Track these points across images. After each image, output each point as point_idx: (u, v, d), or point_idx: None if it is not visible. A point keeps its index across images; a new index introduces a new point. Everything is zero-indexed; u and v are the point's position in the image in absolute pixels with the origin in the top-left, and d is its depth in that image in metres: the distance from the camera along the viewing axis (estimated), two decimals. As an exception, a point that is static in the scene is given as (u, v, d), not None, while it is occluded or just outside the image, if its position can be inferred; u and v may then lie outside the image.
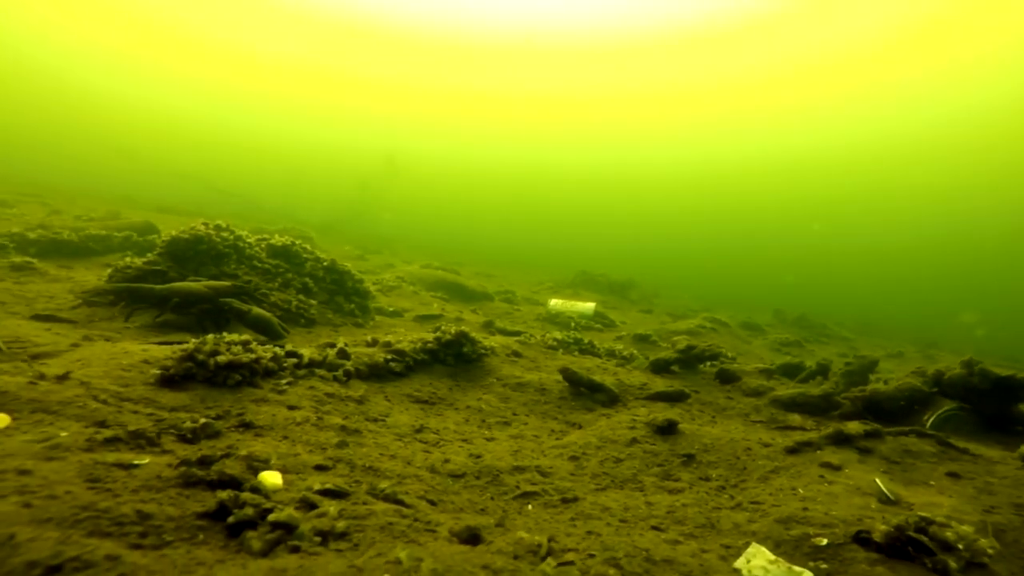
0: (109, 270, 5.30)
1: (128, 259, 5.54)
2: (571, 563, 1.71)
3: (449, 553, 1.65)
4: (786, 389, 4.47)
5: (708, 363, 5.03)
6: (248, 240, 6.11)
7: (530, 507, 2.54)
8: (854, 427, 3.43)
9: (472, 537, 1.85)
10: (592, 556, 1.87)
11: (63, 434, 2.09)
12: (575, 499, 2.65)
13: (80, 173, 28.27)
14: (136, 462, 1.94)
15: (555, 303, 8.95)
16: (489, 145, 75.50)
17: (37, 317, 4.27)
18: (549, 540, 1.84)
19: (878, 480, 3.01)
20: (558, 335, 5.64)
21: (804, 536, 2.38)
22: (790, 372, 5.31)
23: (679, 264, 35.83)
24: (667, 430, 3.45)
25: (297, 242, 6.67)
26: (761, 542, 2.34)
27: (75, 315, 4.48)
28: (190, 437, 2.34)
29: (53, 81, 60.86)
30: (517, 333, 6.12)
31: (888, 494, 2.87)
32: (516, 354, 4.95)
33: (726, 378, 4.73)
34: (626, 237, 46.77)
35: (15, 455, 1.87)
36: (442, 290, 10.01)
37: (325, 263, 6.64)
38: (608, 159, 71.61)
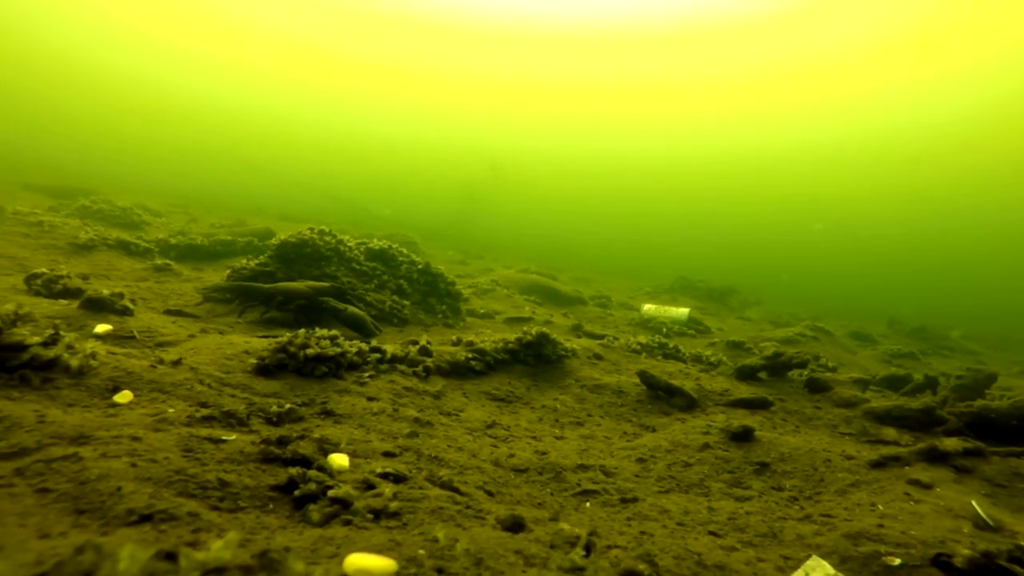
0: (228, 271, 5.88)
1: (244, 261, 6.10)
2: (599, 552, 1.75)
3: (487, 537, 1.75)
4: (883, 401, 4.20)
5: (798, 371, 4.81)
6: (348, 244, 6.53)
7: (588, 505, 2.59)
8: (952, 444, 3.18)
9: (515, 525, 1.94)
10: (626, 550, 1.90)
11: (170, 410, 2.40)
12: (634, 500, 2.67)
13: (218, 185, 31.10)
14: (225, 438, 2.20)
15: (648, 308, 8.84)
16: (598, 141, 75.15)
17: (168, 311, 4.82)
18: (590, 533, 1.89)
19: (975, 503, 2.79)
20: (642, 339, 5.60)
21: (874, 554, 2.27)
22: (894, 384, 4.96)
23: (784, 270, 33.95)
24: (742, 437, 3.37)
25: (394, 246, 7.03)
26: (825, 556, 2.26)
27: (198, 310, 5.02)
28: (275, 420, 2.60)
29: (196, 103, 67.41)
30: (603, 337, 6.12)
31: (987, 519, 2.66)
32: (597, 356, 4.98)
33: (816, 387, 4.50)
34: (731, 241, 44.90)
35: (131, 424, 2.18)
36: (536, 294, 10.15)
37: (420, 266, 6.95)
38: (716, 150, 69.25)
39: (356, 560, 1.31)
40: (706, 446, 3.34)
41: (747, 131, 71.93)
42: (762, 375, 4.78)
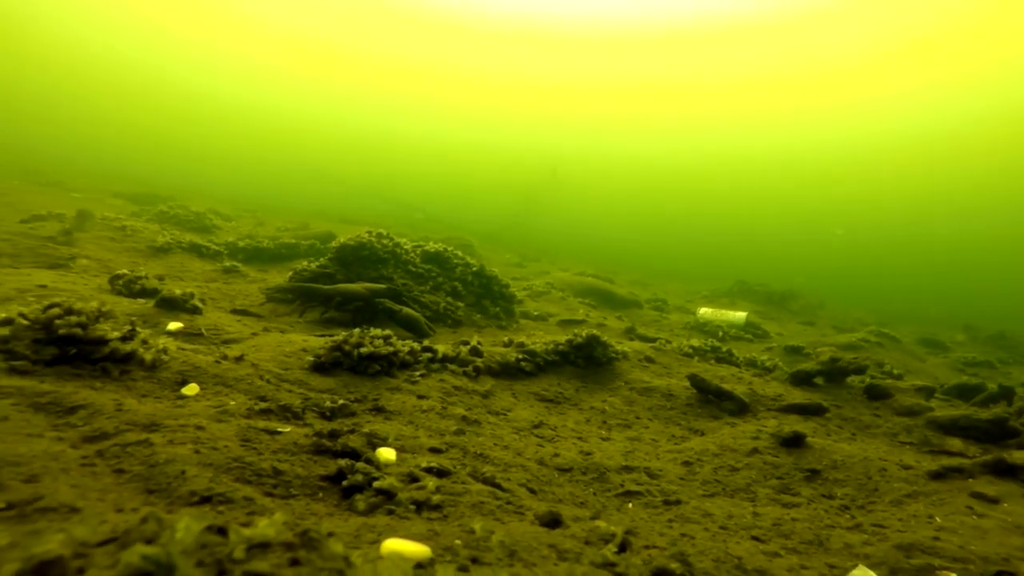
0: (290, 272, 6.14)
1: (305, 263, 6.36)
2: (636, 551, 1.77)
3: (523, 531, 1.80)
4: (949, 410, 4.01)
5: (856, 377, 4.65)
6: (405, 247, 6.70)
7: (630, 505, 2.60)
8: (1022, 456, 3.02)
9: (552, 521, 1.99)
10: (662, 550, 1.91)
11: (231, 403, 2.56)
12: (677, 502, 2.67)
13: (285, 190, 32.33)
14: (280, 430, 2.33)
15: (704, 312, 8.69)
16: (661, 142, 74.13)
17: (234, 311, 5.08)
18: (626, 532, 1.91)
19: (1047, 520, 2.65)
20: (695, 342, 5.53)
21: (927, 567, 2.20)
22: (965, 394, 4.73)
23: (855, 276, 32.48)
24: (793, 443, 3.30)
25: (450, 249, 7.17)
26: (873, 567, 2.21)
27: (262, 310, 5.27)
28: (328, 415, 2.72)
29: (266, 114, 70.44)
30: (656, 340, 6.07)
31: (1059, 537, 2.53)
32: (648, 359, 4.95)
33: (875, 394, 4.35)
34: (793, 245, 43.32)
35: (197, 415, 2.34)
36: (591, 297, 10.13)
37: (474, 268, 7.05)
38: (783, 148, 67.19)
39: (392, 544, 1.39)
40: (755, 451, 3.29)
41: (810, 129, 69.62)
42: (818, 381, 4.65)
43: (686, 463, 3.14)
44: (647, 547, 2.05)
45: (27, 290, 4.32)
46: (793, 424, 3.69)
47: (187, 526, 1.00)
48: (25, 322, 2.56)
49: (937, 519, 2.63)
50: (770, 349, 7.27)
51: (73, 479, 1.61)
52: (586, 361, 4.55)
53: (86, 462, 1.78)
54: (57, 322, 2.57)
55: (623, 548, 1.78)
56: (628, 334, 7.10)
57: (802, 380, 4.60)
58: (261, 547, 1.03)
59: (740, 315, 8.46)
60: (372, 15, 77.82)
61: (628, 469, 2.94)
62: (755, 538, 2.37)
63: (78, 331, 2.58)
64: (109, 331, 2.70)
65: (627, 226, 44.91)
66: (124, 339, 2.73)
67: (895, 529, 2.51)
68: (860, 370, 4.52)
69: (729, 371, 4.86)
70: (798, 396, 4.29)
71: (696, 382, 4.12)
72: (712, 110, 73.72)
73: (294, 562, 1.01)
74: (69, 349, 2.57)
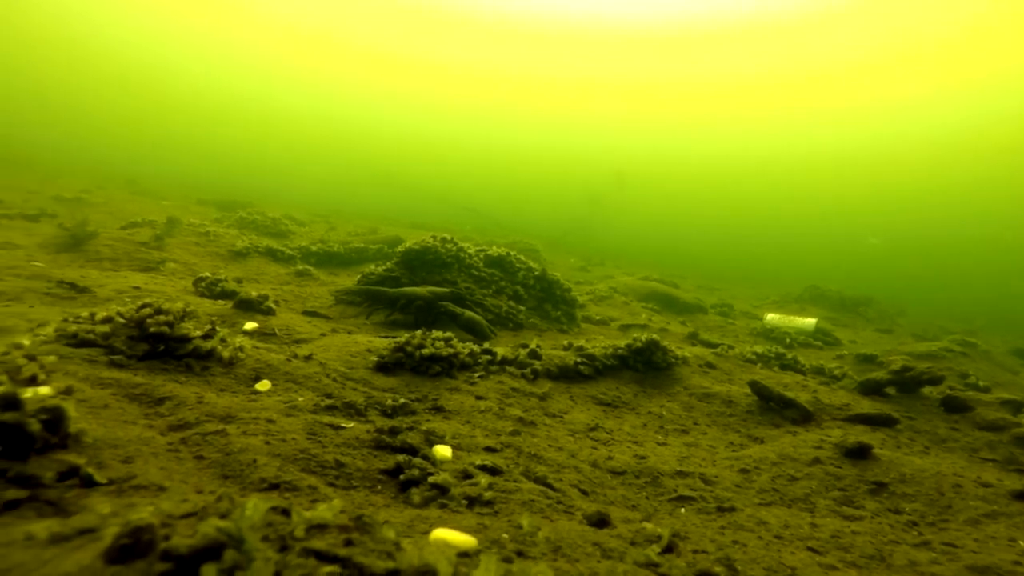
0: (359, 276, 6.39)
1: (373, 267, 6.60)
2: (682, 554, 1.79)
3: (570, 529, 1.86)
4: (1036, 426, 3.77)
5: (934, 388, 4.43)
6: (469, 251, 6.85)
7: (683, 510, 2.60)
8: (1114, 477, 2.82)
9: (600, 521, 2.03)
10: (709, 555, 1.92)
11: (300, 399, 2.73)
12: (732, 509, 2.65)
13: (355, 196, 33.41)
14: (344, 425, 2.47)
15: (771, 317, 8.43)
16: (730, 143, 72.22)
17: (305, 312, 5.35)
18: (673, 534, 1.93)
19: None
20: (759, 349, 5.40)
21: (1003, 591, 2.11)
22: (1057, 409, 4.42)
23: (938, 280, 30.48)
24: (858, 454, 3.20)
25: (512, 253, 7.27)
26: (941, 586, 2.13)
27: (331, 312, 5.52)
28: (389, 412, 2.86)
29: (339, 124, 73.19)
30: (718, 346, 5.96)
31: None
32: (709, 365, 4.89)
33: (954, 406, 4.13)
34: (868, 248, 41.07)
35: (268, 409, 2.51)
36: (654, 301, 10.02)
37: (536, 272, 7.12)
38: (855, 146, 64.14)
39: (440, 533, 1.47)
40: (816, 461, 3.21)
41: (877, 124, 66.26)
42: (890, 391, 4.46)
43: (743, 470, 3.10)
44: (696, 551, 2.06)
45: (124, 291, 4.70)
46: (859, 435, 3.56)
47: (255, 506, 1.11)
48: (122, 320, 2.81)
49: (1020, 543, 2.50)
50: (840, 357, 7.00)
51: (161, 462, 1.78)
52: (645, 365, 4.53)
53: (171, 448, 1.96)
54: (148, 321, 2.81)
55: (669, 550, 1.81)
56: (690, 339, 7.00)
57: (872, 389, 4.43)
58: (319, 528, 1.13)
59: (809, 321, 8.17)
60: (437, 23, 79.44)
61: (683, 474, 2.93)
62: (811, 549, 2.33)
63: (166, 329, 2.82)
64: (192, 330, 2.93)
65: (695, 229, 43.92)
66: (205, 337, 2.95)
67: (969, 550, 2.40)
68: (935, 380, 4.30)
69: (793, 378, 4.74)
70: (866, 406, 4.14)
71: (757, 389, 4.05)
72: (785, 107, 71.30)
73: (348, 543, 1.10)
74: (158, 346, 2.80)
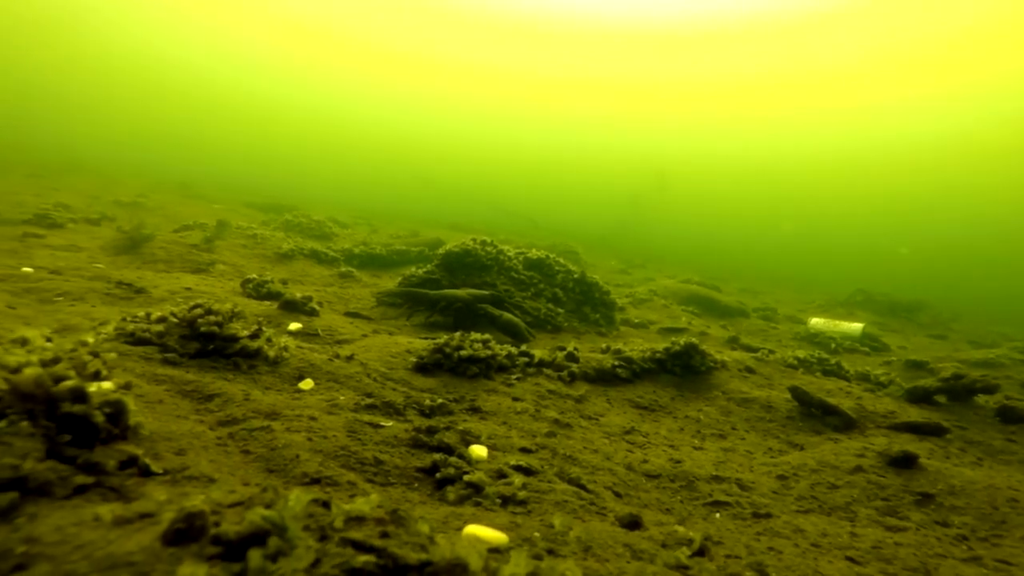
0: (400, 278, 6.52)
1: (413, 269, 6.72)
2: (714, 558, 1.80)
3: (601, 530, 1.88)
4: (1096, 438, 3.61)
5: (988, 397, 4.27)
6: (508, 254, 6.91)
7: (718, 516, 2.59)
8: None
9: (632, 523, 2.05)
10: (739, 559, 1.92)
11: (341, 398, 2.82)
12: (768, 515, 2.62)
13: (397, 198, 33.93)
14: (383, 424, 2.55)
15: (816, 322, 8.24)
16: (775, 140, 70.65)
17: (348, 313, 5.49)
18: (705, 538, 1.94)
19: None
20: (801, 353, 5.30)
21: (1055, 608, 2.05)
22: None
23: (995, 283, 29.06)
24: (903, 463, 3.13)
25: (552, 256, 7.30)
26: (989, 602, 2.08)
27: (372, 313, 5.65)
28: (427, 412, 2.92)
29: (379, 127, 74.47)
30: (759, 350, 5.88)
31: None
32: (749, 370, 4.83)
33: (1011, 417, 3.98)
34: (925, 252, 39.42)
35: (311, 407, 2.61)
36: (695, 304, 9.91)
37: (575, 275, 7.14)
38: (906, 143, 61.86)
39: (473, 529, 1.52)
40: (858, 469, 3.15)
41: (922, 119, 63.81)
42: (940, 399, 4.33)
43: (781, 477, 3.06)
44: (728, 556, 2.06)
45: (176, 292, 4.91)
46: (905, 444, 3.48)
47: (298, 497, 1.18)
48: (175, 320, 2.96)
49: (1077, 560, 2.41)
50: (888, 363, 6.79)
51: (210, 455, 1.88)
52: (683, 369, 4.51)
53: (220, 442, 2.06)
54: (199, 321, 2.95)
55: (701, 553, 1.82)
56: (731, 343, 6.91)
57: (920, 397, 4.31)
58: (357, 520, 1.19)
59: (856, 326, 7.95)
60: (478, 24, 79.98)
61: (719, 479, 2.92)
62: (850, 559, 2.30)
63: (215, 329, 2.95)
64: (240, 330, 3.05)
65: (739, 231, 43.11)
66: (252, 337, 3.07)
67: None
68: (990, 389, 4.15)
69: (836, 384, 4.64)
70: (914, 414, 4.03)
71: (798, 394, 3.98)
72: (831, 104, 69.41)
73: (384, 535, 1.16)
74: (208, 345, 2.94)
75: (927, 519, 2.78)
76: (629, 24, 75.84)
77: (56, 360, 1.52)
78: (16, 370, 1.31)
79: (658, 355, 4.55)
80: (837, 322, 8.15)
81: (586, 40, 79.10)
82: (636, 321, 7.71)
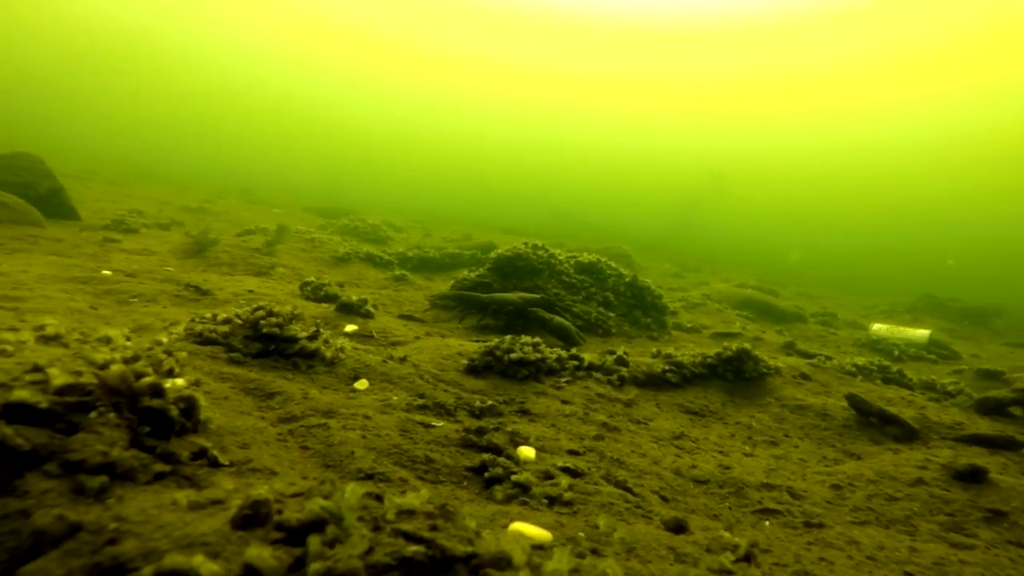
0: (452, 281, 6.64)
1: (466, 272, 6.83)
2: (760, 565, 1.80)
3: (646, 532, 1.90)
4: None
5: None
6: (559, 257, 6.94)
7: (767, 523, 2.56)
8: None
9: (677, 527, 2.06)
10: (785, 567, 1.91)
11: (394, 398, 2.92)
12: (820, 525, 2.58)
13: (451, 202, 34.40)
14: (434, 424, 2.63)
15: (878, 328, 7.94)
16: (834, 136, 68.24)
17: (402, 316, 5.63)
18: (751, 544, 1.93)
19: None
20: (859, 360, 5.13)
21: None
22: None
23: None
24: (970, 477, 3.00)
25: (603, 259, 7.29)
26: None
27: (425, 316, 5.78)
28: (477, 413, 2.99)
29: (433, 132, 75.71)
30: (815, 356, 5.72)
31: None
32: (804, 376, 4.72)
33: (1089, 431, 3.77)
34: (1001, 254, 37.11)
35: (365, 407, 2.72)
36: (749, 309, 9.71)
37: (627, 279, 7.11)
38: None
39: (518, 526, 1.57)
40: (920, 481, 3.05)
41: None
42: (1015, 411, 4.13)
43: (836, 487, 3.00)
44: (776, 564, 2.05)
45: (240, 294, 5.15)
46: (973, 457, 3.34)
47: (353, 490, 1.26)
48: (239, 322, 3.12)
49: None
50: (958, 372, 6.50)
51: (272, 450, 2.00)
52: (735, 375, 4.45)
53: (280, 438, 2.18)
54: (261, 323, 3.10)
55: (746, 559, 1.81)
56: (786, 349, 6.74)
57: (992, 409, 4.12)
58: (408, 513, 1.26)
59: (922, 333, 7.62)
60: (536, 28, 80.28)
61: (769, 487, 2.88)
62: (909, 574, 2.24)
63: (276, 330, 3.10)
64: (299, 331, 3.20)
65: (799, 233, 41.77)
66: (310, 338, 3.21)
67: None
68: (1065, 401, 3.95)
69: (898, 393, 4.48)
70: (984, 426, 3.86)
71: (855, 402, 3.88)
72: (889, 98, 66.60)
73: (433, 528, 1.22)
74: (270, 345, 3.09)
75: (998, 538, 2.67)
76: (682, 22, 74.79)
77: (136, 358, 1.65)
78: (103, 366, 1.44)
79: (709, 360, 4.50)
80: (901, 328, 7.83)
81: (639, 40, 78.41)
82: (688, 325, 7.62)
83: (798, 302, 11.86)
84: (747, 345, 4.53)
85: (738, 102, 75.47)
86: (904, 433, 3.70)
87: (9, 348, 1.47)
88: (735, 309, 9.58)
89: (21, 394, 1.28)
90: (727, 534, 1.97)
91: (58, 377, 1.36)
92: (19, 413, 1.26)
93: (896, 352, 7.14)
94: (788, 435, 3.73)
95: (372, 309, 4.88)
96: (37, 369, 1.38)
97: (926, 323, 9.97)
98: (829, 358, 5.47)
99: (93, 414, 1.34)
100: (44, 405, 1.29)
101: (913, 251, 36.47)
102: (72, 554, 0.99)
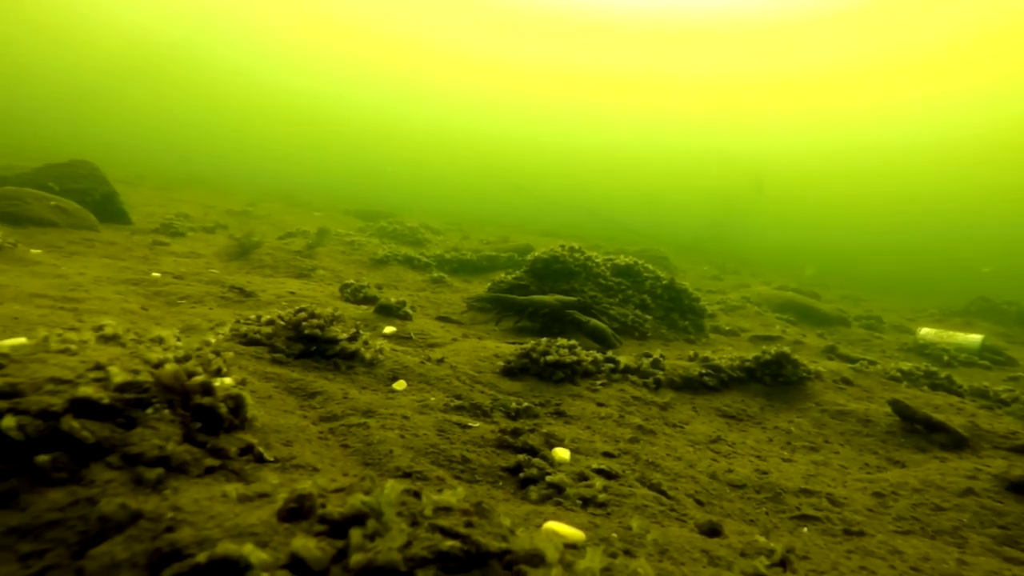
0: (489, 283, 6.70)
1: (503, 275, 6.89)
2: (797, 571, 1.79)
3: (679, 535, 1.91)
4: None
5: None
6: (596, 260, 6.94)
7: (805, 530, 2.53)
8: None
9: (712, 530, 2.06)
10: (823, 574, 1.89)
11: (432, 399, 2.98)
12: (861, 534, 2.53)
13: (488, 205, 34.57)
14: (471, 424, 2.68)
15: (926, 332, 7.69)
16: (878, 132, 66.26)
17: (439, 318, 5.71)
18: (787, 550, 1.92)
19: None
20: (905, 366, 5.00)
21: None
22: None
23: None
24: None
25: (640, 262, 7.25)
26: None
27: (463, 318, 5.85)
28: (513, 415, 3.03)
29: (471, 136, 76.26)
30: (857, 361, 5.59)
31: None
32: (846, 381, 4.62)
33: None
34: None
35: (403, 407, 2.78)
36: (790, 312, 9.52)
37: (664, 281, 7.05)
38: None
39: (551, 525, 1.60)
40: (969, 491, 2.96)
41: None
42: (1069, 419, 3.98)
43: (878, 495, 2.94)
44: (813, 572, 2.03)
45: (282, 296, 5.30)
46: (1024, 466, 3.23)
47: (392, 487, 1.30)
48: (282, 323, 3.22)
49: None
50: (1014, 379, 6.26)
51: (314, 447, 2.07)
52: (773, 379, 4.38)
53: (322, 436, 2.25)
54: (303, 324, 3.20)
55: (782, 565, 1.81)
56: (827, 353, 6.60)
57: (1045, 416, 3.98)
58: (445, 509, 1.30)
59: (974, 338, 7.36)
60: (575, 29, 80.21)
61: (808, 493, 2.84)
62: (953, 585, 2.19)
63: (318, 332, 3.19)
64: (340, 333, 3.28)
65: (843, 234, 40.66)
66: (350, 340, 3.29)
67: None
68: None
69: (946, 400, 4.35)
70: (1036, 434, 3.73)
71: (899, 408, 3.78)
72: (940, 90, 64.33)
73: (468, 524, 1.26)
74: (311, 346, 3.18)
75: (1055, 553, 2.58)
76: (721, 21, 73.71)
77: (187, 357, 1.73)
78: (158, 365, 1.52)
79: (747, 363, 4.45)
80: (951, 332, 7.58)
81: (677, 39, 77.56)
82: (727, 328, 7.53)
83: (841, 305, 11.59)
84: (786, 348, 4.46)
85: (780, 99, 74.05)
86: (952, 441, 3.59)
87: (73, 347, 1.57)
88: (775, 312, 9.42)
89: (86, 390, 1.36)
90: (762, 539, 1.96)
91: (118, 375, 1.44)
92: (84, 408, 1.35)
93: (945, 358, 6.91)
94: (828, 441, 3.67)
95: (410, 311, 4.97)
96: (99, 367, 1.47)
97: (979, 327, 9.62)
98: (873, 363, 5.34)
99: (149, 410, 1.42)
100: (106, 401, 1.38)
101: (953, 252, 35.14)
102: (135, 539, 1.06)
